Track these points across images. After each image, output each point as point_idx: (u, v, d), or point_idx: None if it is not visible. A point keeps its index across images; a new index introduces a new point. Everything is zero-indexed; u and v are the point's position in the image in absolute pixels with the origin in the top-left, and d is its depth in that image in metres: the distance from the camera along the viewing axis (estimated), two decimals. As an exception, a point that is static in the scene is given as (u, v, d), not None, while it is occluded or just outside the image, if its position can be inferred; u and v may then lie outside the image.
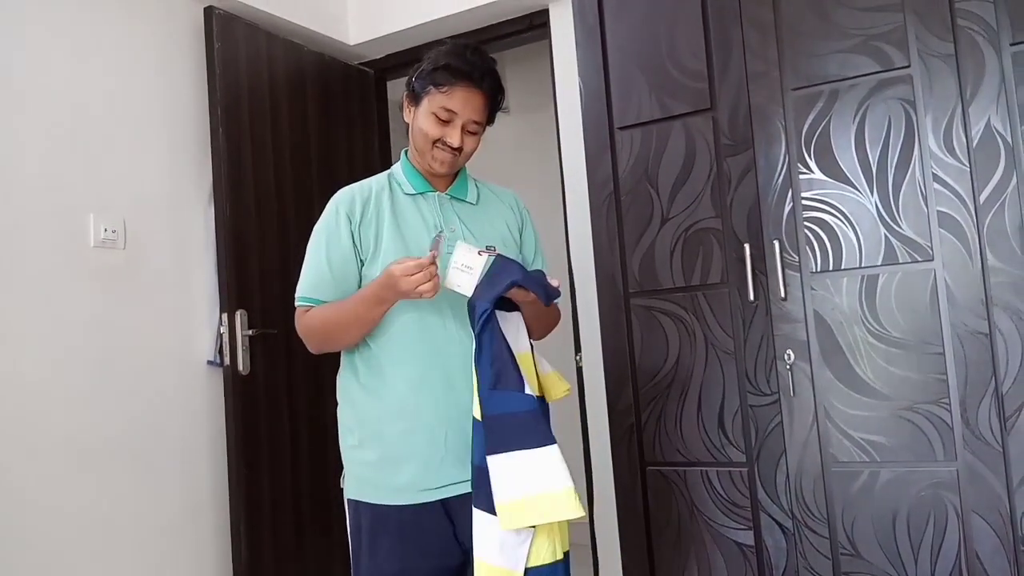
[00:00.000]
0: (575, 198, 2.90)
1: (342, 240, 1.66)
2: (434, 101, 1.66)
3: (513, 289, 1.55)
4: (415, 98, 1.71)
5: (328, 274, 1.66)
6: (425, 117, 1.68)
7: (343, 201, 1.70)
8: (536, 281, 1.59)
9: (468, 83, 1.65)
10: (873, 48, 1.86)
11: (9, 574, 2.09)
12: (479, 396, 1.53)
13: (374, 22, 3.22)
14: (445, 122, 1.66)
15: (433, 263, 1.51)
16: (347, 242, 1.66)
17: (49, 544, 2.19)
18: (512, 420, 1.50)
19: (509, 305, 1.62)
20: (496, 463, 1.49)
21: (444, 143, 1.67)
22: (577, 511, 1.47)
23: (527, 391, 1.51)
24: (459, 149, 1.68)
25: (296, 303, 1.69)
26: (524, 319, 1.65)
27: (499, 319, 1.57)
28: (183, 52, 2.72)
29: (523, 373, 1.54)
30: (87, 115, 2.42)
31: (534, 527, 1.52)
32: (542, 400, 1.65)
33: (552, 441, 1.50)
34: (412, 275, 1.49)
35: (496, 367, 1.52)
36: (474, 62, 1.66)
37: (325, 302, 1.66)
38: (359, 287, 1.66)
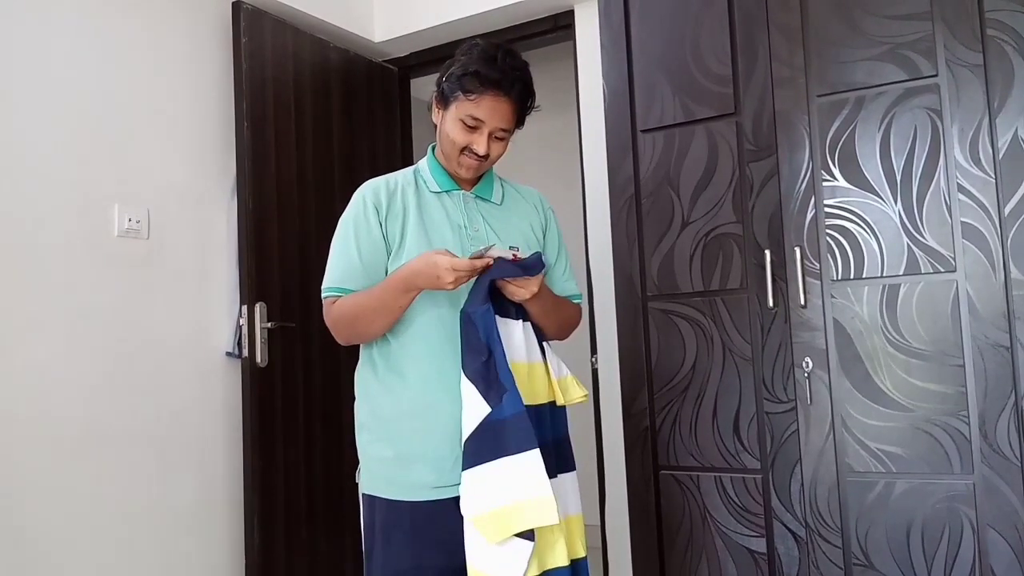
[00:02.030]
0: (595, 199, 2.90)
1: (372, 230, 1.66)
2: (462, 108, 1.63)
3: (497, 280, 1.56)
4: (444, 101, 1.68)
5: (358, 263, 1.65)
6: (452, 123, 1.65)
7: (370, 192, 1.69)
8: (512, 266, 1.57)
9: (497, 91, 1.62)
10: (900, 56, 1.85)
11: (25, 561, 2.12)
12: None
13: (399, 20, 3.24)
14: (472, 128, 1.64)
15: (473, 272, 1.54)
16: (377, 232, 1.66)
17: (64, 532, 2.21)
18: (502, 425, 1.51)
19: (516, 312, 1.61)
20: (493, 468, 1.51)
21: (471, 150, 1.66)
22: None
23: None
24: (486, 156, 1.67)
25: (324, 295, 1.68)
26: (533, 320, 1.64)
27: (500, 327, 1.57)
28: (210, 46, 2.75)
29: (517, 382, 1.55)
30: (114, 106, 2.45)
31: (533, 537, 1.51)
32: (554, 404, 1.65)
33: (529, 449, 1.51)
34: (458, 275, 1.51)
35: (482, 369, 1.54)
36: (504, 69, 1.62)
37: (355, 292, 1.65)
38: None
